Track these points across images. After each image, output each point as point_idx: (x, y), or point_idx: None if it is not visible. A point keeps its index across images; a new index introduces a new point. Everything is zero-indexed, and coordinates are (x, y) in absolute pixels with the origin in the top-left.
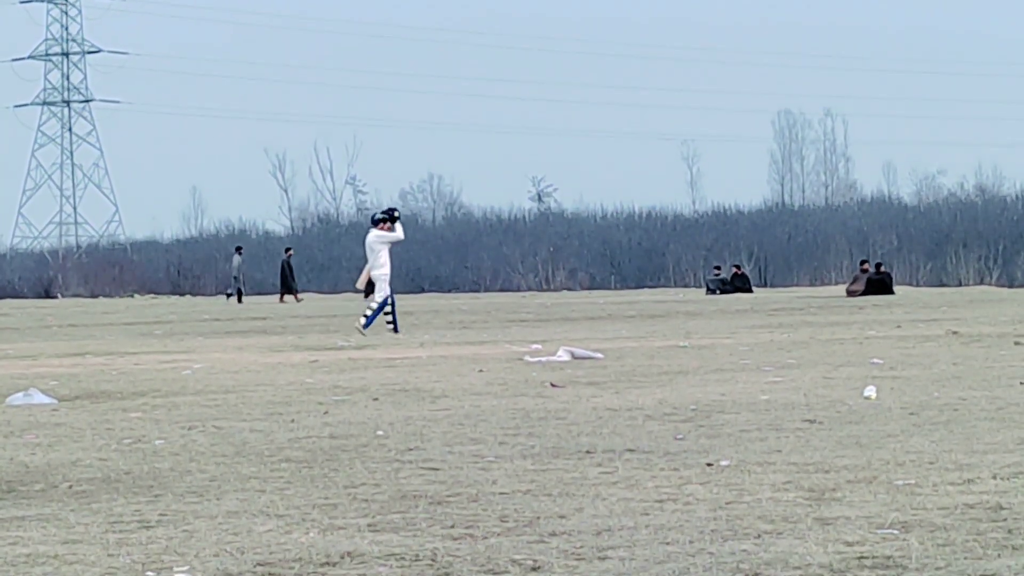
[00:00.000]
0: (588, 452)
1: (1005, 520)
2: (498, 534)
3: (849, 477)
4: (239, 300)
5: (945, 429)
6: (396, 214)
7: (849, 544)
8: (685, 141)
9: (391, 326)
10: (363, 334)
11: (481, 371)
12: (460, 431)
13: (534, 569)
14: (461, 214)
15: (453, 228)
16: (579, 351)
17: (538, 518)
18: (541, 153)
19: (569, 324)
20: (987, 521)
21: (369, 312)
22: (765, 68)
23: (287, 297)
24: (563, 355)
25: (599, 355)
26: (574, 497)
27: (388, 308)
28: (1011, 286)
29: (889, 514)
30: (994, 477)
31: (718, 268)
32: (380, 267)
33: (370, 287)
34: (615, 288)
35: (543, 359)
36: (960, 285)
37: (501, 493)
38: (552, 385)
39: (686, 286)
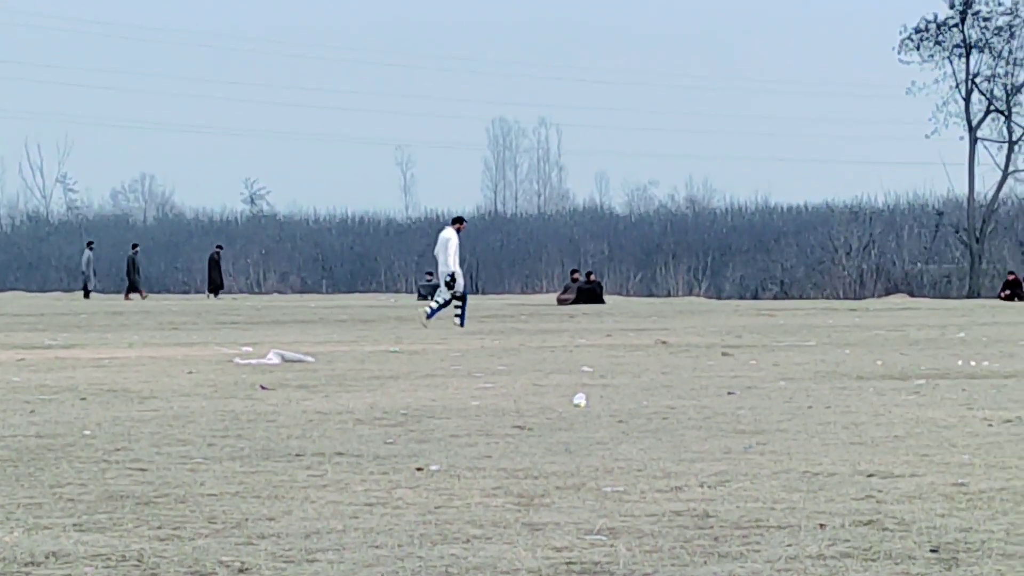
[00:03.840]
0: (297, 455)
1: (712, 528)
2: (206, 535)
3: (558, 483)
4: (85, 295)
5: (653, 437)
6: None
7: (557, 550)
8: (399, 146)
9: (459, 320)
10: (425, 326)
11: (191, 372)
12: (168, 432)
13: (242, 571)
14: (173, 215)
15: (164, 229)
16: (290, 354)
17: (246, 520)
18: (255, 155)
19: (280, 327)
20: (694, 528)
21: (434, 305)
22: (481, 75)
23: (132, 295)
24: (273, 358)
25: (310, 358)
26: (283, 500)
27: (459, 303)
28: (719, 297)
29: (597, 520)
30: (701, 485)
31: (430, 274)
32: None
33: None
34: (327, 292)
35: (253, 361)
36: (669, 295)
37: (209, 495)
38: (262, 387)
39: (398, 291)
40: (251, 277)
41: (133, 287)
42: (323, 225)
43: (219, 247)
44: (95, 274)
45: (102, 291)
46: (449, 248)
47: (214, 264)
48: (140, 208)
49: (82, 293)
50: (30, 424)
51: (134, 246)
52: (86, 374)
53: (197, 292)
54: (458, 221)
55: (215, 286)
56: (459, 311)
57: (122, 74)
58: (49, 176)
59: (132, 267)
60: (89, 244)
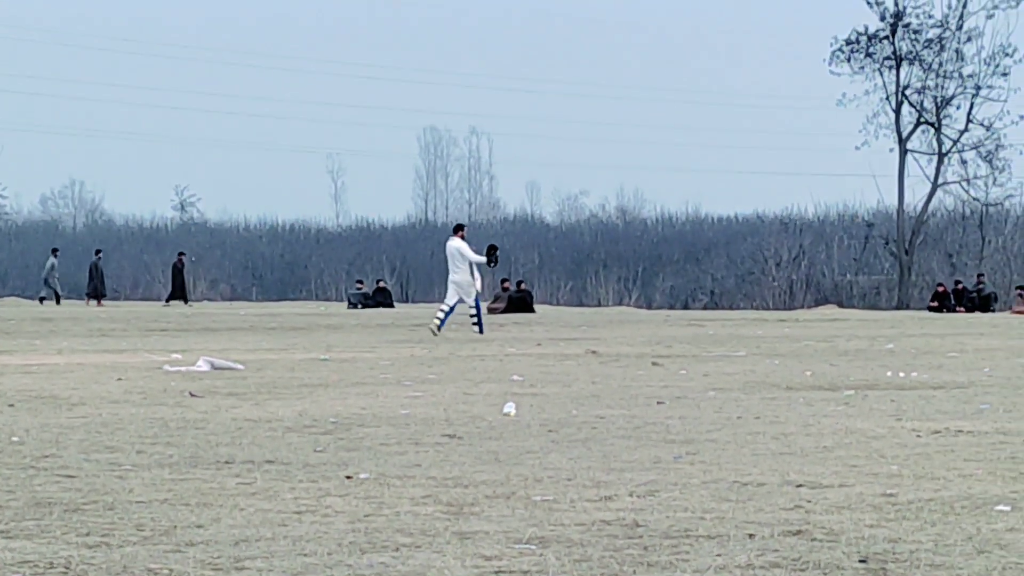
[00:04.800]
0: (227, 462)
1: (641, 537)
2: (134, 543)
3: (488, 492)
4: (57, 302)
5: (583, 447)
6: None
7: (487, 558)
8: (330, 154)
9: (476, 327)
10: (435, 333)
11: (120, 379)
12: (97, 439)
13: None
14: (102, 221)
15: (94, 235)
16: (219, 362)
17: (175, 527)
18: (185, 162)
19: (210, 335)
20: (623, 538)
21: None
22: (412, 84)
23: (102, 301)
24: (203, 365)
25: (240, 366)
26: (212, 507)
27: (474, 311)
28: (649, 307)
29: (527, 529)
30: (631, 494)
31: (360, 282)
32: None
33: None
34: (257, 300)
35: (183, 369)
36: (600, 305)
37: (138, 502)
38: (191, 395)
39: (328, 299)
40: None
41: (96, 293)
42: (253, 233)
43: (98, 252)
44: (54, 281)
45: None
46: (464, 252)
47: (95, 271)
48: (70, 214)
49: (50, 301)
50: None
51: (97, 252)
52: (14, 380)
53: (126, 299)
54: (460, 228)
55: (180, 293)
56: (475, 318)
57: (51, 80)
58: None
59: (96, 273)
60: (54, 251)
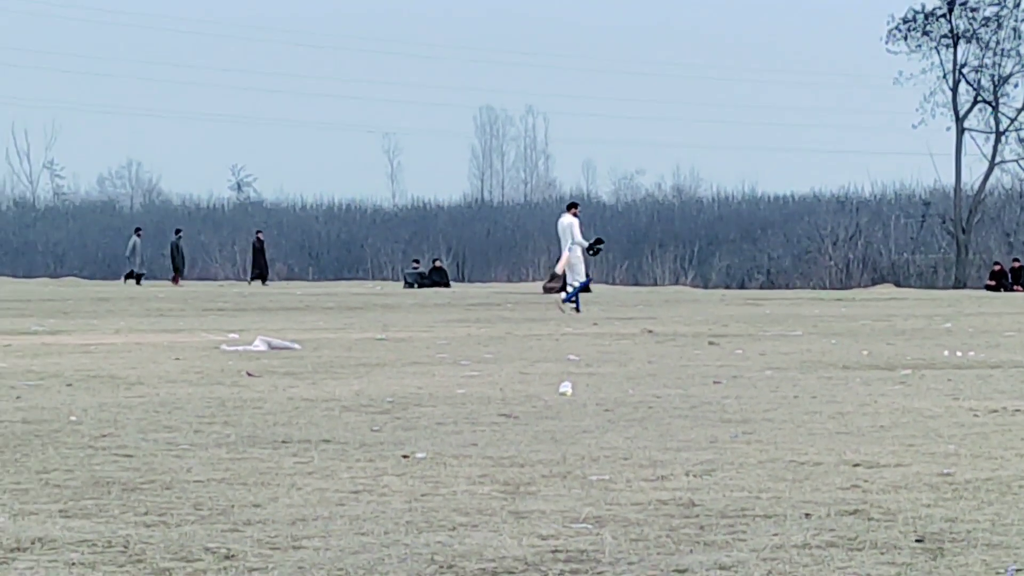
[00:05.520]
0: (284, 442)
1: (697, 516)
2: (192, 522)
3: (544, 472)
4: (138, 282)
5: (639, 426)
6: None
7: (543, 538)
8: (386, 134)
9: (574, 305)
10: (562, 311)
11: (177, 359)
12: (155, 418)
13: (228, 557)
14: (160, 201)
15: (151, 215)
16: (276, 341)
17: (232, 507)
18: (242, 142)
19: (267, 314)
20: (679, 517)
21: (570, 289)
22: (468, 63)
23: (180, 280)
24: (260, 345)
25: (296, 345)
26: (269, 486)
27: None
28: (705, 287)
29: (583, 509)
30: (687, 474)
31: (416, 261)
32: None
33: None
34: (313, 279)
35: (240, 348)
36: (656, 284)
37: (196, 481)
38: (248, 374)
39: (384, 279)
40: (237, 264)
41: (177, 272)
42: (310, 212)
43: (179, 231)
44: (142, 260)
45: (90, 277)
46: (574, 230)
47: (258, 251)
48: (127, 194)
49: (124, 280)
50: (16, 410)
51: (177, 231)
52: (72, 360)
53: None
54: (573, 206)
55: (263, 273)
56: (570, 295)
57: (109, 60)
58: (36, 162)
59: (176, 252)
60: (137, 230)
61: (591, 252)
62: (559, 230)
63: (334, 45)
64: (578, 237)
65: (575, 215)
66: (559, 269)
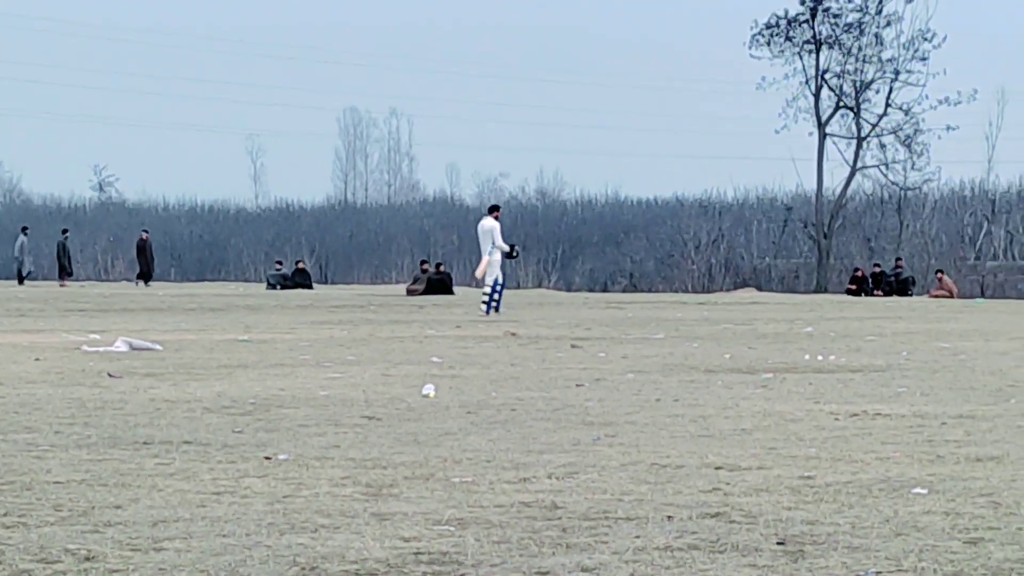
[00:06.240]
0: (145, 443)
1: (560, 519)
2: (52, 523)
3: (407, 473)
4: (20, 281)
5: (502, 428)
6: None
7: (406, 540)
8: (250, 135)
9: (495, 305)
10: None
11: (38, 360)
12: (14, 419)
13: (88, 559)
14: (20, 201)
15: (12, 215)
16: (137, 342)
17: (93, 508)
18: (104, 142)
19: (128, 315)
20: (542, 519)
21: (488, 290)
22: (331, 65)
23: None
24: (121, 345)
25: (158, 346)
26: (130, 488)
27: (492, 292)
28: (568, 290)
29: (446, 511)
30: (549, 476)
31: (279, 263)
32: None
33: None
34: (175, 280)
35: (101, 349)
36: (519, 287)
37: (55, 482)
38: (110, 375)
39: (247, 280)
40: (99, 264)
41: (63, 271)
42: (172, 213)
43: (65, 231)
44: (30, 259)
45: None
46: (495, 234)
47: (141, 251)
48: None
49: (16, 279)
50: None
51: (64, 231)
52: None
53: (45, 279)
54: (495, 209)
55: (148, 272)
56: (494, 298)
57: None
58: None
59: (63, 252)
60: (23, 229)
61: (511, 256)
62: (479, 234)
63: (197, 46)
64: (499, 241)
65: (496, 219)
66: (479, 273)
